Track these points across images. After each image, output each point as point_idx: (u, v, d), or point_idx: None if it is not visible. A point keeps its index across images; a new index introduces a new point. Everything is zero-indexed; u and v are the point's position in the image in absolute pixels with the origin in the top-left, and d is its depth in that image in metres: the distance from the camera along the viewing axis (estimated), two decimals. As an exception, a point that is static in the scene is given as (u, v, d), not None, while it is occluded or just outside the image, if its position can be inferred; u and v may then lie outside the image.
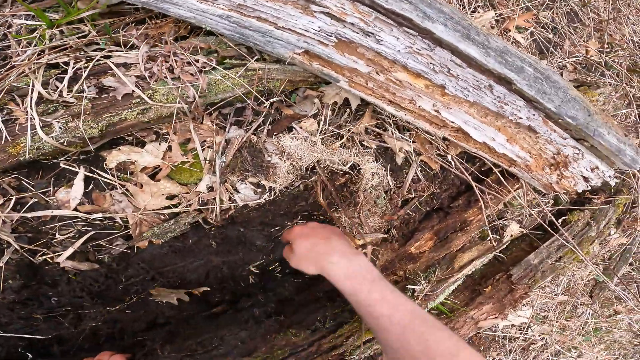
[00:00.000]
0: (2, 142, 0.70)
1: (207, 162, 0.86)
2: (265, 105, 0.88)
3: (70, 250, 0.80)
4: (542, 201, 1.34)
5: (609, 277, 1.63)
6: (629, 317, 1.88)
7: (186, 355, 0.84)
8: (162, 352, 0.83)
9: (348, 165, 0.99)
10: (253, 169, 0.89)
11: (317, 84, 0.97)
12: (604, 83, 1.40)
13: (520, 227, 1.36)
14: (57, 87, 0.74)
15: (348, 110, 1.01)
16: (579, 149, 1.07)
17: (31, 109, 0.70)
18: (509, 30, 1.29)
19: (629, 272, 1.75)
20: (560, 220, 1.32)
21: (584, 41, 1.44)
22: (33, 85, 0.72)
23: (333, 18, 0.77)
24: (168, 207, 0.86)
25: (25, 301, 0.84)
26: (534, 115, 0.97)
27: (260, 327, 0.86)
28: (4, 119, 0.71)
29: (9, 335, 0.86)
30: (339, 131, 0.99)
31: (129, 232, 0.84)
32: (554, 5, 1.42)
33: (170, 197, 0.86)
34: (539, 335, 1.61)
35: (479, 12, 1.23)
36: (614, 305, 1.84)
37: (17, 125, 0.71)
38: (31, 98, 0.71)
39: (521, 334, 1.58)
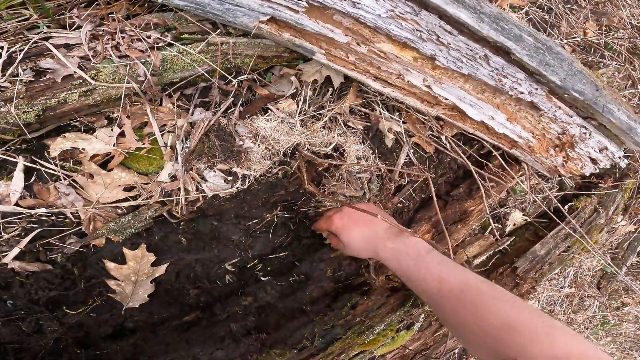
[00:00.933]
0: None
1: (168, 148, 0.77)
2: (233, 84, 0.79)
3: (15, 250, 0.71)
4: (547, 186, 1.24)
5: (617, 267, 1.53)
6: (636, 310, 1.78)
7: None
8: None
9: (330, 147, 0.89)
10: (223, 155, 0.80)
11: (295, 60, 0.87)
12: (606, 64, 1.30)
13: (523, 215, 1.26)
14: None
15: (330, 89, 0.92)
16: (587, 128, 0.97)
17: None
18: (504, 9, 1.18)
19: (637, 261, 1.65)
20: (566, 207, 1.22)
21: (580, 22, 1.34)
22: None
23: None
24: (126, 200, 0.76)
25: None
26: (536, 89, 0.86)
27: (238, 346, 0.76)
28: None
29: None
30: (320, 112, 0.90)
31: (82, 228, 0.75)
32: None
33: (128, 189, 0.76)
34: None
35: None
36: (622, 297, 1.74)
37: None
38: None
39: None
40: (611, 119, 0.91)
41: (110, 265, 0.79)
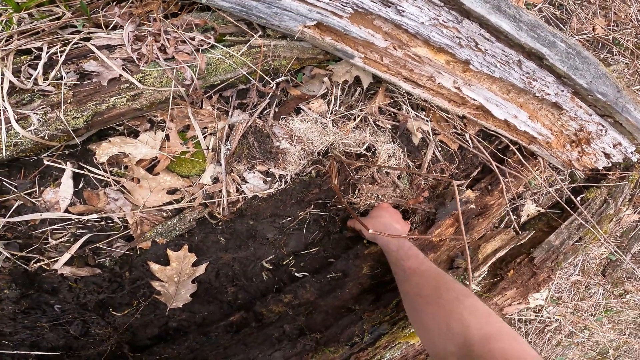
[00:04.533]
0: (-27, 139, 0.61)
1: (210, 150, 0.78)
2: (271, 85, 0.80)
3: (66, 256, 0.71)
4: (559, 179, 1.28)
5: (623, 254, 1.59)
6: (638, 297, 1.86)
7: None
8: None
9: (364, 147, 0.91)
10: (261, 156, 0.81)
11: (325, 62, 0.88)
12: (615, 60, 1.34)
13: (537, 206, 1.30)
14: (31, 75, 0.64)
15: (359, 89, 0.93)
16: (603, 125, 1.02)
17: (3, 100, 0.60)
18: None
19: (641, 250, 1.72)
20: (578, 199, 1.26)
21: (591, 18, 1.37)
22: (2, 74, 0.62)
23: None
24: (170, 203, 0.78)
25: (28, 310, 0.76)
26: (562, 91, 0.90)
27: (295, 347, 0.78)
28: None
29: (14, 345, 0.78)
30: (350, 112, 0.91)
31: (129, 232, 0.76)
32: None
33: (171, 192, 0.77)
34: (554, 317, 1.58)
35: None
36: (624, 285, 1.81)
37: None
38: (2, 88, 0.61)
39: (537, 316, 1.54)
40: (628, 118, 0.95)
41: (155, 266, 0.80)
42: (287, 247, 0.94)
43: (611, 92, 0.90)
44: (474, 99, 0.91)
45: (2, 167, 0.67)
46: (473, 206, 1.07)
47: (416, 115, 0.97)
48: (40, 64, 0.65)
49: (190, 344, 0.81)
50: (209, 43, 0.72)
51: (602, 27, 1.38)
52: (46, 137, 0.62)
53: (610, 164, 1.12)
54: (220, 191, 0.80)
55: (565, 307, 1.58)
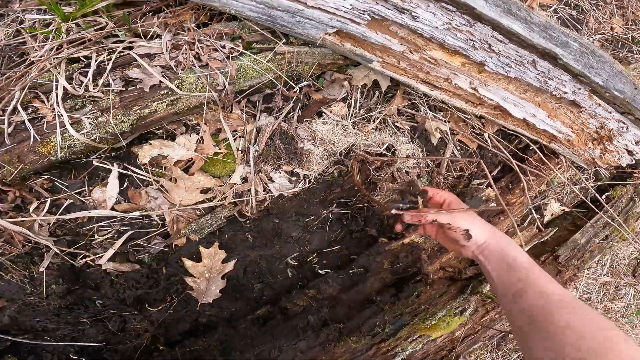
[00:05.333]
0: (31, 142, 0.68)
1: (239, 152, 0.83)
2: (295, 90, 0.85)
3: (111, 252, 0.78)
4: (584, 177, 1.28)
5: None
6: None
7: None
8: None
9: (384, 148, 0.95)
10: (287, 157, 0.86)
11: (345, 66, 0.93)
12: (636, 59, 1.33)
13: (561, 205, 1.30)
14: (82, 82, 0.72)
15: (378, 92, 0.97)
16: (624, 122, 1.02)
17: (58, 106, 0.68)
18: (533, 9, 1.23)
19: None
20: (603, 197, 1.25)
21: (607, 18, 1.37)
22: (57, 81, 0.70)
23: None
24: (203, 202, 0.83)
25: (71, 306, 0.83)
26: (579, 89, 0.91)
27: (318, 336, 0.83)
28: (30, 117, 0.69)
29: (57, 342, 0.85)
30: (370, 114, 0.95)
31: (166, 229, 0.82)
32: None
33: (204, 191, 0.83)
34: (583, 318, 1.55)
35: None
36: (656, 285, 1.76)
37: (45, 124, 0.69)
38: (57, 94, 0.69)
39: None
40: None
41: (189, 263, 0.86)
42: (311, 245, 0.98)
43: (628, 89, 0.91)
44: (490, 99, 0.93)
45: (54, 169, 0.74)
46: (494, 204, 1.09)
47: (434, 116, 1.00)
48: (90, 71, 0.73)
49: (220, 336, 0.86)
50: (238, 51, 0.78)
51: (620, 27, 1.38)
52: (97, 140, 0.69)
53: (633, 161, 1.11)
54: (249, 190, 0.85)
55: (595, 309, 1.55)
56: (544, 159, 1.12)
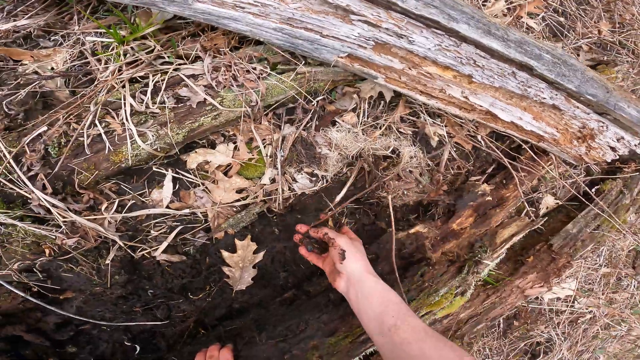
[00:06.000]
0: (106, 152, 0.85)
1: (268, 157, 0.99)
2: (312, 103, 1.01)
3: (165, 244, 0.94)
4: (574, 173, 1.41)
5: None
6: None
7: (280, 341, 0.95)
8: (261, 340, 0.95)
9: (389, 150, 1.10)
10: (307, 160, 1.02)
11: (354, 81, 1.09)
12: (621, 60, 1.46)
13: (555, 199, 1.42)
14: (143, 100, 0.89)
15: (383, 102, 1.13)
16: (603, 122, 1.14)
17: (127, 121, 0.85)
18: (521, 17, 1.38)
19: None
20: (593, 190, 1.38)
21: (594, 22, 1.50)
22: (124, 99, 0.87)
23: (370, 25, 0.89)
24: (238, 200, 0.99)
25: (127, 296, 0.98)
26: (556, 95, 1.05)
27: (338, 310, 0.96)
28: (105, 130, 0.86)
29: (114, 328, 1.00)
30: (377, 122, 1.11)
31: (208, 224, 0.98)
32: None
33: (239, 191, 0.99)
34: (587, 308, 1.65)
35: (490, 2, 1.32)
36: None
37: (116, 136, 0.86)
38: (125, 111, 0.86)
39: (567, 307, 1.62)
40: (622, 114, 1.09)
41: (226, 254, 1.01)
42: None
43: (601, 93, 1.04)
44: (481, 106, 1.08)
45: (121, 174, 0.91)
46: (489, 198, 1.22)
47: (433, 122, 1.16)
48: (149, 91, 0.89)
49: (254, 316, 1.01)
50: (267, 72, 0.94)
51: (606, 30, 1.50)
52: (158, 149, 0.86)
53: (618, 157, 1.23)
54: (276, 189, 1.01)
55: (598, 299, 1.65)
56: (534, 156, 1.26)
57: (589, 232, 1.34)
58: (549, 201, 1.42)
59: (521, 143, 1.25)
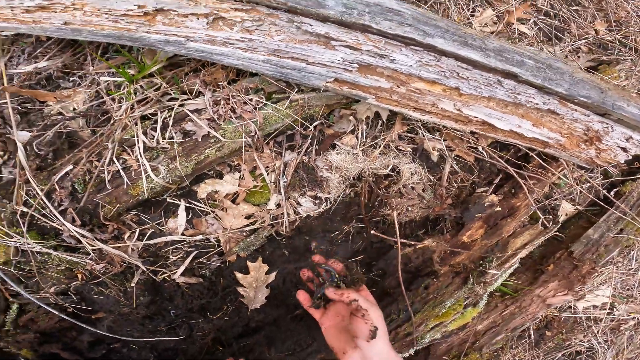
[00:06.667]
0: (125, 187, 0.96)
1: (272, 183, 1.06)
2: (310, 129, 1.08)
3: (182, 268, 1.02)
4: (590, 177, 1.37)
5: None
6: None
7: (288, 354, 0.99)
8: (270, 354, 0.99)
9: (389, 169, 1.14)
10: (310, 184, 1.08)
11: (350, 103, 1.15)
12: (623, 59, 1.44)
13: (573, 205, 1.39)
14: (154, 136, 0.99)
15: (380, 121, 1.18)
16: (607, 123, 1.12)
17: (141, 157, 0.95)
18: (512, 24, 1.40)
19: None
20: (612, 193, 1.33)
21: (589, 23, 1.49)
22: (138, 136, 0.97)
23: (351, 48, 0.96)
24: (247, 225, 1.06)
25: (152, 316, 1.06)
26: (548, 99, 1.05)
27: None
28: (123, 167, 0.96)
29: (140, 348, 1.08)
30: (375, 141, 1.16)
31: (221, 249, 1.05)
32: None
33: (248, 217, 1.06)
34: (628, 314, 1.55)
35: (478, 11, 1.36)
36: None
37: (132, 172, 0.97)
38: (139, 148, 0.96)
39: (605, 314, 1.53)
40: (622, 113, 1.07)
41: (239, 275, 1.07)
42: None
43: (594, 94, 1.04)
44: (475, 117, 1.10)
45: (140, 206, 1.01)
46: (499, 208, 1.22)
47: (431, 137, 1.19)
48: (158, 127, 0.99)
49: (267, 333, 1.05)
50: (262, 102, 1.03)
51: (603, 30, 1.48)
52: (170, 182, 0.96)
53: (630, 157, 1.20)
54: (282, 213, 1.07)
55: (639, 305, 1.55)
56: (542, 163, 1.25)
57: (611, 236, 1.29)
58: (567, 207, 1.39)
59: (528, 151, 1.25)
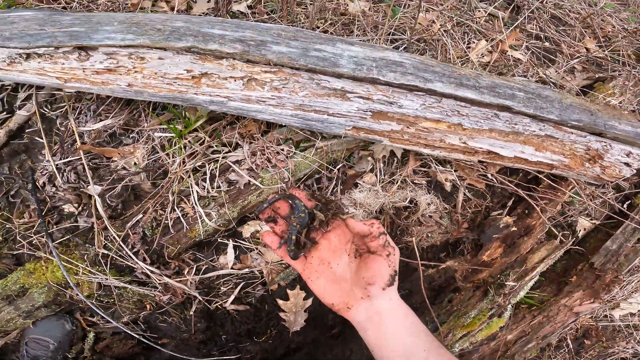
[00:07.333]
0: (184, 230, 1.15)
1: (304, 219, 1.23)
2: (334, 171, 1.25)
3: (232, 297, 1.18)
4: (602, 192, 1.45)
5: None
6: None
7: None
8: None
9: (407, 201, 1.28)
10: (337, 218, 1.23)
11: (367, 144, 1.32)
12: (615, 75, 1.52)
13: (590, 220, 1.45)
14: (204, 186, 1.19)
15: (395, 159, 1.34)
16: (605, 141, 1.21)
17: (196, 205, 1.15)
18: (506, 51, 1.54)
19: None
20: (625, 205, 1.40)
21: (578, 41, 1.58)
22: (192, 187, 1.17)
23: (364, 99, 1.11)
24: (285, 257, 1.22)
25: (206, 341, 1.22)
26: (544, 126, 1.16)
27: None
28: (181, 214, 1.16)
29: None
30: (393, 178, 1.31)
31: (264, 279, 1.21)
32: (535, 15, 1.62)
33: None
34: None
35: (473, 43, 1.51)
36: None
37: (189, 218, 1.16)
38: (194, 197, 1.16)
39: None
40: (616, 132, 1.16)
41: (281, 302, 1.22)
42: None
43: (585, 117, 1.14)
44: (481, 147, 1.23)
45: (196, 246, 1.20)
46: (514, 228, 1.32)
47: (443, 169, 1.33)
48: (207, 178, 1.18)
49: (307, 351, 1.18)
50: (292, 151, 1.21)
51: (593, 46, 1.57)
52: (220, 225, 1.14)
53: (634, 171, 1.28)
54: (315, 244, 1.22)
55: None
56: (552, 184, 1.35)
57: (630, 246, 1.35)
58: (584, 223, 1.46)
59: (537, 174, 1.35)
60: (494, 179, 1.33)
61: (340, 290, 0.73)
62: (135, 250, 1.13)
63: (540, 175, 1.36)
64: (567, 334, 1.53)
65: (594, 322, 1.56)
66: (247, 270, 1.19)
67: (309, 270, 0.76)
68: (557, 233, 1.38)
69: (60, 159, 1.24)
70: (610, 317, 1.56)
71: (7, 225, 1.21)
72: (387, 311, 0.68)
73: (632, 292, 1.55)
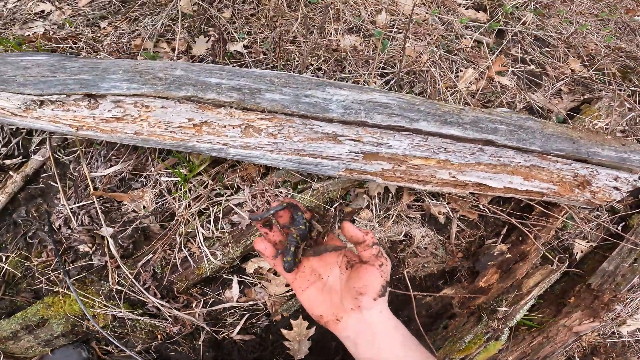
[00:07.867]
0: (192, 268, 1.25)
1: (304, 254, 1.31)
2: (331, 210, 1.33)
3: (238, 327, 1.27)
4: (596, 215, 1.48)
5: None
6: None
7: None
8: None
9: (402, 235, 1.34)
10: (335, 251, 1.31)
11: (362, 182, 1.39)
12: (600, 96, 1.53)
13: (587, 242, 1.48)
14: (209, 228, 1.28)
15: (390, 194, 1.40)
16: (591, 167, 1.24)
17: (202, 245, 1.24)
18: (493, 78, 1.58)
19: None
20: (619, 227, 1.43)
21: (562, 62, 1.59)
22: (197, 229, 1.27)
23: (355, 141, 1.18)
24: (287, 291, 1.30)
25: (215, 371, 1.31)
26: (528, 157, 1.20)
27: None
28: (189, 253, 1.26)
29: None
30: (388, 213, 1.38)
31: (268, 311, 1.29)
32: (519, 38, 1.66)
33: (287, 285, 1.30)
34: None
35: (461, 71, 1.56)
36: None
37: (196, 257, 1.26)
38: (199, 238, 1.26)
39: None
40: (600, 159, 1.19)
41: (285, 331, 1.30)
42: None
43: (567, 145, 1.17)
44: (470, 180, 1.27)
45: (202, 282, 1.29)
46: (509, 255, 1.37)
47: (436, 202, 1.39)
48: (211, 220, 1.29)
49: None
50: (291, 193, 1.30)
51: (577, 67, 1.57)
52: (225, 263, 1.24)
53: (624, 194, 1.31)
54: (315, 277, 1.30)
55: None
56: (544, 211, 1.39)
57: (627, 266, 1.37)
58: (581, 246, 1.49)
59: (528, 202, 1.40)
60: (487, 209, 1.38)
61: (330, 301, 0.72)
62: (146, 286, 1.23)
63: (532, 203, 1.40)
64: (574, 352, 1.54)
65: (601, 339, 1.57)
66: (251, 302, 1.27)
67: (300, 280, 0.76)
68: (552, 257, 1.41)
69: (75, 203, 1.35)
70: (617, 333, 1.57)
71: (26, 264, 1.33)
72: (378, 324, 0.66)
73: (637, 308, 1.56)
